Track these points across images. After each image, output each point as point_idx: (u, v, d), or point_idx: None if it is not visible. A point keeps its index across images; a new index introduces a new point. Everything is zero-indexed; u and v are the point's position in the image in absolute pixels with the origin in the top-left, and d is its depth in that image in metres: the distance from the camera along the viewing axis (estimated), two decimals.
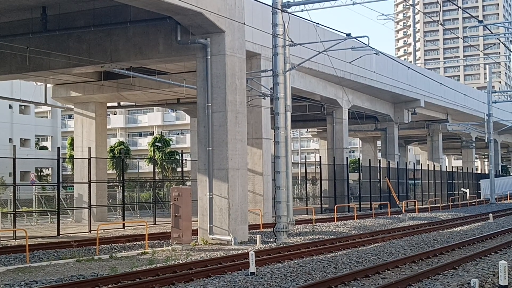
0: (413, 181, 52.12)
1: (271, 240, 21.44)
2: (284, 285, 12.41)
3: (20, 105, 60.12)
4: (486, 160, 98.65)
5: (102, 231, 25.08)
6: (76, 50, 23.73)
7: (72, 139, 46.46)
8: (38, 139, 68.86)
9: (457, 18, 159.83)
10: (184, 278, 13.29)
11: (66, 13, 23.30)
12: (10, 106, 59.66)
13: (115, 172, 60.62)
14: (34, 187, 39.40)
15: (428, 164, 55.74)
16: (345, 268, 14.61)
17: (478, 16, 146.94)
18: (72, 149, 43.91)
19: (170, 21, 21.28)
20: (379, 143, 59.88)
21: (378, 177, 45.68)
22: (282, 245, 19.61)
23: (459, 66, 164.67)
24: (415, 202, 42.69)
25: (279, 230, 21.50)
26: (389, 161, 48.05)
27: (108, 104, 37.88)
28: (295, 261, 15.55)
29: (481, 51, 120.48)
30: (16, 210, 25.83)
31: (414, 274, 13.13)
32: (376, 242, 20.76)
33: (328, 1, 28.92)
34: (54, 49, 23.88)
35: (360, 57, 30.51)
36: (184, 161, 37.12)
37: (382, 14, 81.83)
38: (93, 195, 29.26)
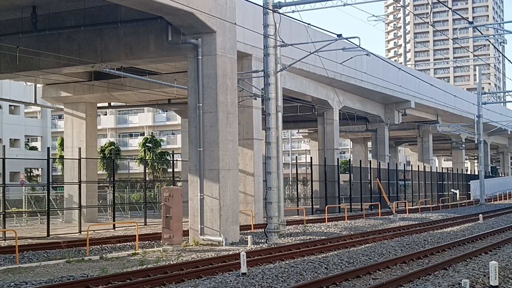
0: (403, 182, 52.26)
1: (262, 240, 21.42)
2: (275, 285, 12.40)
3: (10, 105, 59.82)
4: (476, 161, 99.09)
5: (92, 232, 24.98)
6: (67, 50, 23.62)
7: (62, 140, 46.33)
8: (28, 139, 68.51)
9: (447, 20, 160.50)
10: (175, 279, 13.26)
11: (57, 13, 23.20)
12: None
13: (106, 172, 60.50)
14: (23, 187, 39.20)
15: (418, 165, 55.91)
16: (336, 268, 14.61)
17: (468, 17, 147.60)
18: (62, 150, 43.77)
19: (161, 21, 21.23)
20: (369, 144, 60.00)
21: (369, 178, 45.77)
22: (273, 246, 19.60)
23: (449, 68, 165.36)
24: (405, 203, 42.80)
25: (270, 230, 21.48)
26: (379, 162, 48.15)
27: (99, 104, 37.73)
28: (286, 262, 15.55)
29: (471, 53, 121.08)
30: (6, 210, 25.70)
31: (405, 275, 13.15)
32: (367, 242, 20.79)
33: (319, 2, 28.94)
34: (44, 49, 23.77)
35: (351, 58, 30.53)
36: (175, 162, 37.04)
37: (373, 15, 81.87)
38: (83, 196, 29.15)
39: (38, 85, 34.19)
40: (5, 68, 25.45)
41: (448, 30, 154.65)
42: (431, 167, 58.51)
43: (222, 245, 20.23)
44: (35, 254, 18.55)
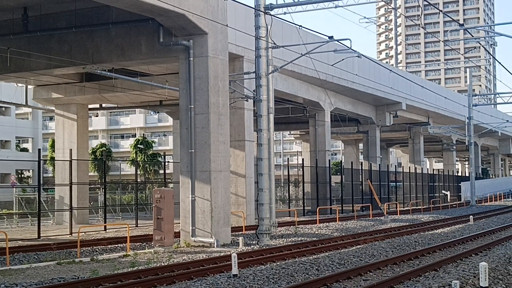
0: (394, 183, 52.39)
1: (254, 242, 21.43)
2: (267, 287, 12.42)
3: (1, 107, 59.57)
4: (467, 162, 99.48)
5: (83, 233, 24.87)
6: (58, 51, 23.56)
7: (53, 141, 46.15)
8: (19, 140, 68.25)
9: (438, 22, 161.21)
10: (166, 281, 13.24)
11: (48, 14, 23.13)
12: None
13: (97, 174, 60.31)
14: (14, 189, 39.02)
15: (409, 167, 56.08)
16: (327, 270, 14.64)
17: (459, 20, 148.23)
18: (53, 151, 43.63)
19: (153, 23, 21.22)
20: (361, 145, 60.16)
21: (360, 180, 45.86)
22: (264, 247, 19.61)
23: (440, 70, 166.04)
24: (396, 204, 42.90)
25: (261, 232, 21.49)
26: (371, 164, 48.27)
27: (90, 106, 37.63)
28: (278, 263, 15.56)
29: (462, 55, 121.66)
30: None
31: (396, 276, 13.19)
32: (358, 244, 20.83)
33: (310, 4, 29.06)
34: (35, 50, 23.69)
35: (343, 59, 30.58)
36: (166, 163, 36.97)
37: (364, 17, 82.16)
38: (74, 197, 29.08)
39: (29, 87, 34.07)
40: None
41: (439, 32, 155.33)
42: (422, 168, 58.70)
43: (214, 247, 20.23)
44: (25, 256, 18.48)
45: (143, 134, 75.68)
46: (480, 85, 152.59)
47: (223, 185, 21.54)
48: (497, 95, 57.30)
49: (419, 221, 32.44)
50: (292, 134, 67.82)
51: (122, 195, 45.89)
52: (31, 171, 63.28)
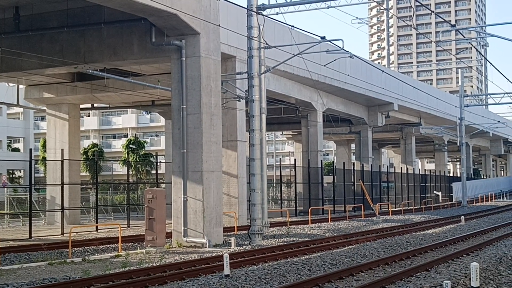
0: (386, 184, 52.49)
1: (246, 242, 21.43)
2: (259, 287, 12.42)
3: None
4: (458, 163, 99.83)
5: (75, 233, 24.80)
6: (49, 50, 23.47)
7: (45, 141, 45.99)
8: (10, 140, 67.96)
9: (430, 23, 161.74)
10: (158, 281, 13.22)
11: (39, 14, 23.06)
12: None
13: (89, 174, 60.15)
14: (5, 189, 38.87)
15: (401, 167, 56.21)
16: (319, 270, 14.66)
17: (450, 20, 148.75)
18: (45, 151, 43.46)
19: (145, 23, 21.18)
20: (353, 146, 60.24)
21: (352, 180, 45.94)
22: (256, 248, 19.61)
23: (432, 70, 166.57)
24: (388, 204, 42.99)
25: (253, 232, 21.50)
26: (363, 164, 48.35)
27: (82, 106, 37.54)
28: (270, 264, 15.56)
29: (454, 56, 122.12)
30: None
31: (388, 276, 13.22)
32: (350, 244, 20.87)
33: (303, 4, 29.11)
34: (26, 50, 23.61)
35: (335, 60, 30.63)
36: (158, 164, 36.91)
37: (356, 17, 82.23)
38: (66, 198, 28.99)
39: (20, 86, 33.95)
40: None
41: (431, 33, 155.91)
42: (414, 169, 58.85)
43: (206, 247, 20.21)
44: (16, 256, 18.41)
45: (135, 134, 75.50)
46: (472, 86, 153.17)
47: (215, 185, 21.53)
48: (489, 96, 57.66)
49: (410, 221, 32.52)
50: (284, 134, 67.85)
51: (114, 195, 45.83)
52: (22, 171, 63.02)
